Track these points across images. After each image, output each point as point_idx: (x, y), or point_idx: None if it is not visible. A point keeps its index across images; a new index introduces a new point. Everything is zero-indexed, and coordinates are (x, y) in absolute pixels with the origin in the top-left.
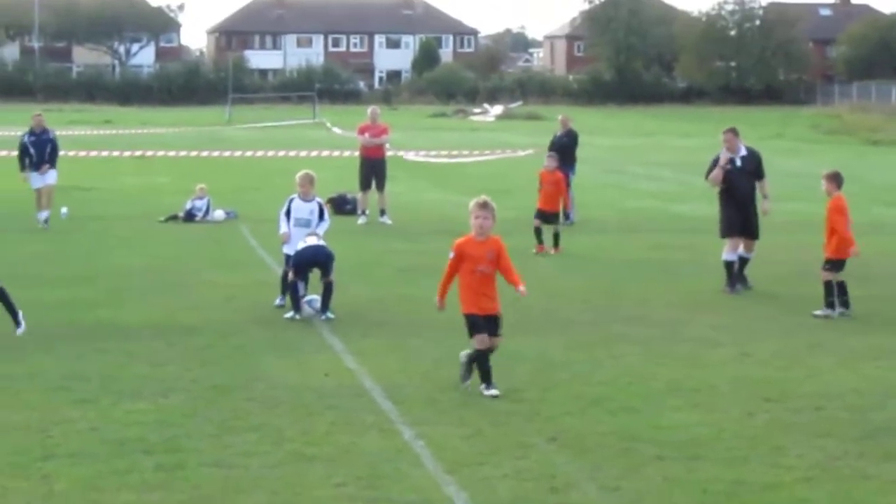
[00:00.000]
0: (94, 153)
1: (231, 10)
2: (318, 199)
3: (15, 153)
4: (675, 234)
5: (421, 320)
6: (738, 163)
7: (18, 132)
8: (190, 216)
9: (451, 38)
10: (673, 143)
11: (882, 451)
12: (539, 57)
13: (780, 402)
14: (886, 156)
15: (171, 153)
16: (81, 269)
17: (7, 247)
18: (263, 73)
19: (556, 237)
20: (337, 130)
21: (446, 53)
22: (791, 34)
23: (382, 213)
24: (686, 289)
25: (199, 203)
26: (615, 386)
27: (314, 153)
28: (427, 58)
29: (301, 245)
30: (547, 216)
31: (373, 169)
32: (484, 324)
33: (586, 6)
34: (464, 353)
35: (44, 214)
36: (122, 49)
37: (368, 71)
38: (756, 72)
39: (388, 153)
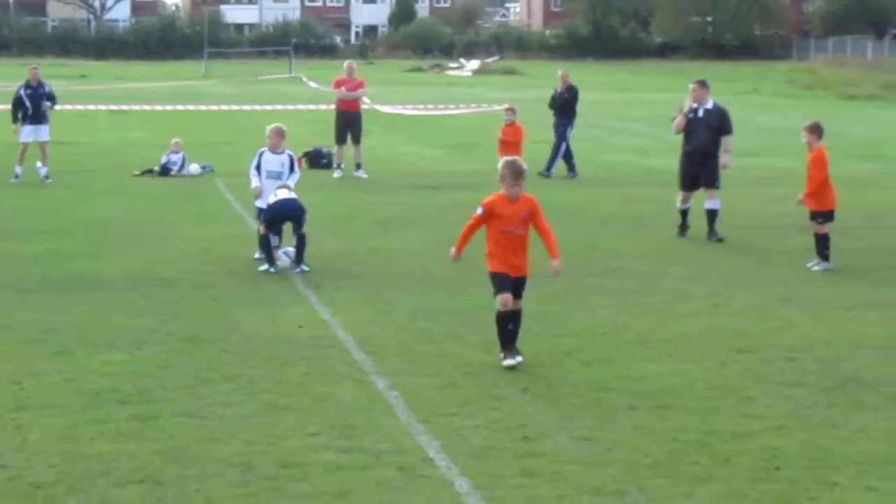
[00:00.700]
0: (69, 107)
1: None
2: (288, 151)
3: None
4: (649, 187)
5: (395, 273)
6: (701, 113)
7: None
8: (165, 170)
9: None
10: (649, 97)
11: (851, 400)
12: (516, 12)
13: (751, 353)
14: (862, 110)
15: (147, 107)
16: (57, 222)
17: None
18: (239, 27)
19: None
20: (313, 85)
21: (422, 8)
22: None
23: (358, 166)
24: (659, 242)
25: (174, 157)
26: (587, 337)
27: (290, 107)
28: (403, 12)
29: (272, 199)
30: None
31: (348, 123)
32: (511, 284)
33: None
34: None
35: (43, 170)
36: (97, 3)
37: (345, 26)
38: (732, 27)
39: (364, 107)
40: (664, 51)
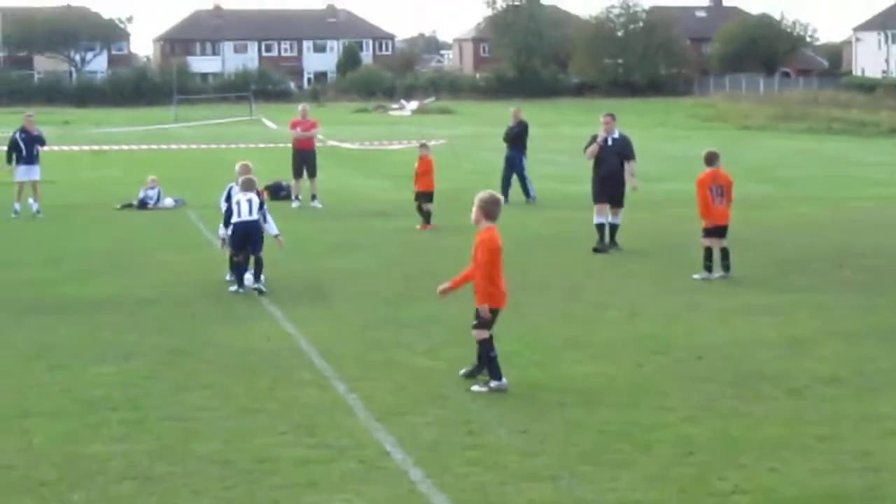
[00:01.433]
0: (56, 148)
1: (174, 20)
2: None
3: None
4: (571, 210)
5: (348, 290)
6: (610, 142)
7: None
8: (143, 204)
9: (370, 42)
10: (568, 131)
11: (753, 392)
12: (449, 58)
13: (665, 354)
14: (756, 139)
15: (125, 148)
16: (47, 252)
17: None
18: (204, 76)
19: (428, 214)
20: (272, 126)
21: (367, 56)
22: (671, 34)
23: (313, 197)
24: (581, 258)
25: (150, 192)
26: (522, 343)
27: (252, 146)
28: (350, 60)
29: (235, 218)
30: (422, 196)
31: (304, 159)
32: None
33: (490, 12)
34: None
35: (35, 206)
36: (77, 57)
37: (298, 73)
38: (640, 68)
39: (318, 144)
40: (581, 90)
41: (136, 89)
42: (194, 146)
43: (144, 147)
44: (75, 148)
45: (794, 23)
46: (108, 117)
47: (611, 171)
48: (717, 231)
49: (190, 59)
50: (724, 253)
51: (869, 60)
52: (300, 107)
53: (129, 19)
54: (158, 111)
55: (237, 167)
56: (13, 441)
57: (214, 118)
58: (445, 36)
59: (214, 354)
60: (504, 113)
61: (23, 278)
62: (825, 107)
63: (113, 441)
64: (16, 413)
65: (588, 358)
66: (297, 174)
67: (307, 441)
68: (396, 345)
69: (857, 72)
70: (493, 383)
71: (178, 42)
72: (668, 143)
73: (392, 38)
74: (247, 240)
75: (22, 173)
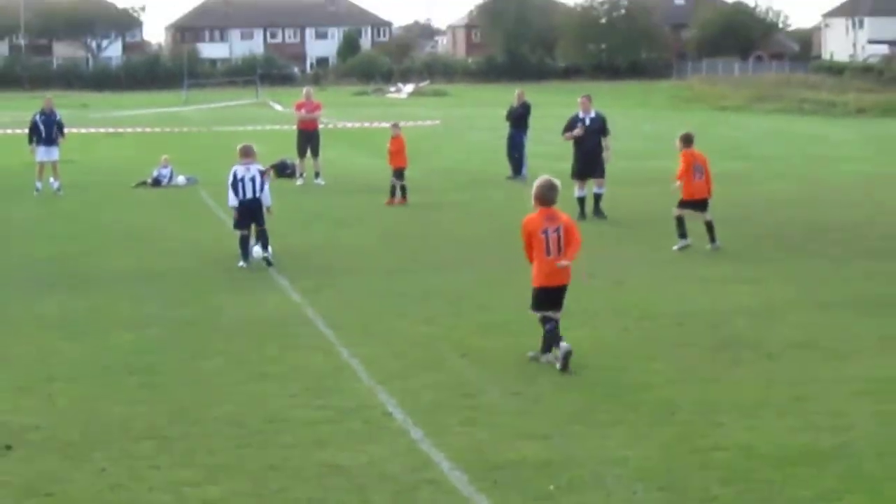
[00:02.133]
0: (74, 130)
1: (185, 9)
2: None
3: (9, 132)
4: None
5: (351, 262)
6: (588, 122)
7: (10, 117)
8: (157, 182)
9: (369, 29)
10: (555, 112)
11: (731, 357)
12: (443, 43)
13: (649, 320)
14: (731, 119)
15: (139, 130)
16: (68, 227)
17: (4, 211)
18: (213, 62)
19: (403, 189)
20: (278, 107)
21: (366, 42)
22: (651, 20)
23: (317, 175)
24: None
25: (164, 171)
26: (514, 312)
27: (259, 128)
28: (349, 46)
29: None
30: (396, 172)
31: (308, 139)
32: None
33: (481, 1)
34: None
35: (56, 184)
36: (94, 44)
37: (301, 58)
38: (623, 52)
39: (321, 125)
40: (567, 73)
41: (149, 74)
42: (204, 128)
43: (157, 129)
44: (92, 130)
45: (767, 10)
46: (122, 101)
47: (590, 147)
48: (696, 204)
49: (200, 45)
50: (709, 226)
51: (837, 45)
52: (304, 90)
53: (143, 8)
54: (170, 95)
55: (238, 148)
56: (39, 404)
57: (223, 101)
58: (439, 23)
59: (226, 323)
60: (494, 96)
61: (45, 253)
62: (797, 88)
63: (132, 404)
64: (41, 378)
65: (577, 324)
66: (302, 153)
67: (314, 403)
68: (397, 313)
69: (826, 56)
70: (543, 356)
71: (189, 30)
72: (649, 122)
73: (389, 25)
74: (251, 217)
75: (42, 154)
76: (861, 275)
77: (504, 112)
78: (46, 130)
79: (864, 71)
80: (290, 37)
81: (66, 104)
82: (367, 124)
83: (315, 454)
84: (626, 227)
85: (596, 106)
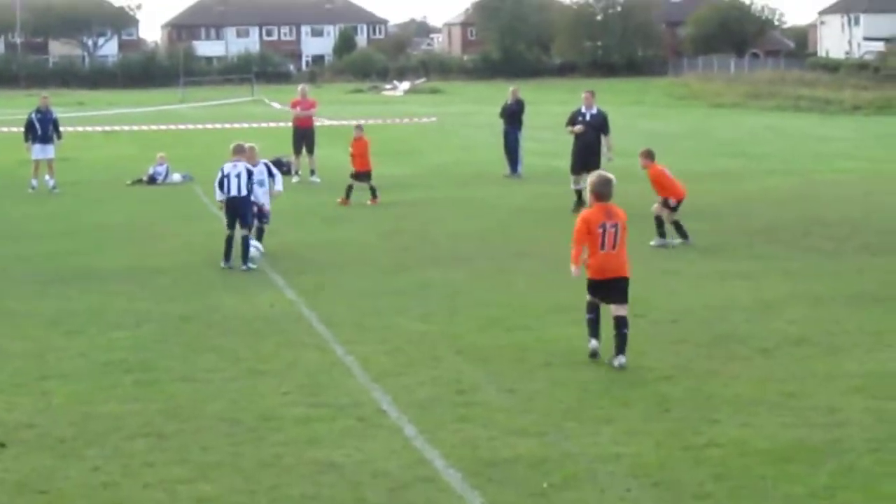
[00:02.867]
0: (70, 129)
1: (181, 7)
2: (244, 163)
3: (4, 131)
4: (555, 184)
5: (346, 259)
6: (588, 118)
7: (6, 115)
8: (152, 180)
9: (365, 26)
10: (551, 109)
11: (725, 353)
12: (439, 41)
13: (643, 317)
14: (727, 116)
15: (135, 128)
16: (65, 225)
17: (1, 209)
18: (209, 59)
19: (373, 190)
20: (276, 105)
21: (361, 40)
22: (647, 17)
23: (312, 172)
24: (564, 228)
25: (160, 168)
26: (509, 308)
27: (255, 125)
28: (345, 44)
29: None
30: (361, 175)
31: (303, 136)
32: None
33: None
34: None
35: (51, 182)
36: (90, 42)
37: (297, 56)
38: (618, 50)
39: (316, 123)
40: (563, 70)
41: (145, 72)
42: (200, 125)
43: (153, 127)
44: (89, 128)
45: (762, 7)
46: (118, 99)
47: (589, 142)
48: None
49: (195, 43)
50: (678, 225)
51: (833, 42)
52: (300, 87)
53: (139, 7)
54: (166, 93)
55: (231, 147)
56: (34, 401)
57: (219, 99)
58: (435, 21)
59: (221, 320)
60: (490, 93)
61: (42, 250)
62: (792, 86)
63: (127, 401)
64: (36, 375)
65: (571, 321)
66: (297, 150)
67: (309, 400)
68: (391, 311)
69: (821, 53)
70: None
71: (185, 28)
72: (645, 119)
73: (385, 22)
74: (236, 213)
75: (37, 151)
76: (855, 270)
77: (498, 109)
78: (42, 129)
79: (860, 68)
80: (285, 34)
81: (62, 102)
82: (362, 121)
83: (309, 451)
84: None
85: None
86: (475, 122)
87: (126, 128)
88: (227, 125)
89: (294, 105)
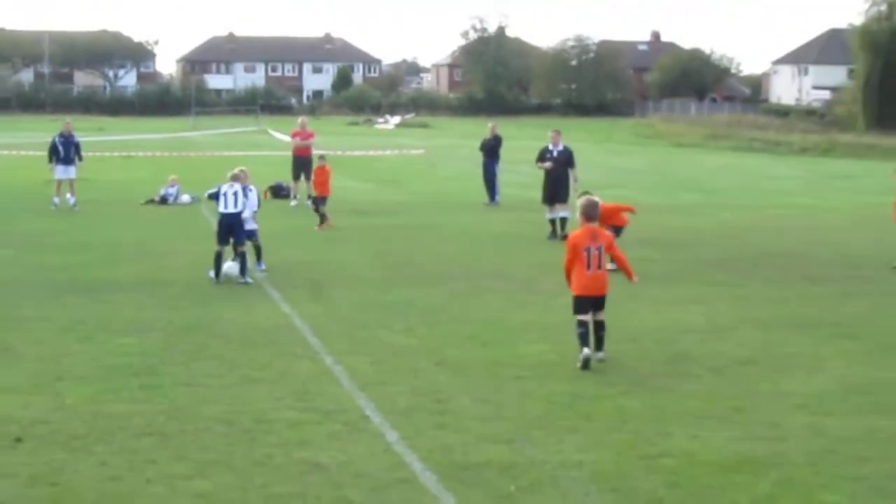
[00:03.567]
0: (91, 153)
1: (194, 43)
2: (237, 185)
3: (31, 153)
4: (529, 212)
5: (337, 277)
6: (556, 154)
7: (33, 139)
8: (164, 200)
9: (361, 65)
10: (529, 144)
11: (680, 371)
12: (428, 80)
13: (605, 337)
14: (687, 155)
15: (150, 153)
16: (80, 239)
17: (22, 223)
18: (219, 92)
19: (322, 217)
20: (277, 135)
21: (357, 77)
22: (616, 64)
23: (309, 197)
24: (536, 254)
25: (171, 190)
26: (484, 325)
27: (258, 153)
28: (343, 80)
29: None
30: (318, 200)
31: (302, 164)
32: None
33: (463, 42)
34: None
35: (72, 200)
36: (111, 73)
37: (298, 90)
38: (590, 92)
39: (315, 152)
40: (539, 109)
41: (161, 102)
42: (209, 152)
43: (167, 153)
44: (108, 153)
45: (721, 56)
46: (135, 125)
47: (557, 176)
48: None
49: (207, 76)
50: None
51: (784, 90)
52: (300, 119)
53: (156, 42)
54: (179, 121)
55: (228, 175)
56: (48, 401)
57: (227, 128)
58: (425, 61)
59: (221, 330)
60: (473, 128)
61: (59, 262)
62: (747, 129)
63: (133, 402)
64: (51, 377)
65: (541, 338)
66: (296, 177)
67: (299, 405)
68: (378, 325)
69: (774, 99)
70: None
71: (197, 62)
72: (613, 156)
73: (379, 62)
74: (230, 231)
75: (60, 172)
76: (799, 298)
77: (478, 143)
78: (65, 151)
79: (808, 114)
80: (289, 71)
81: (84, 127)
82: (357, 152)
83: (297, 452)
84: None
85: (565, 140)
86: (459, 154)
87: (141, 153)
88: (234, 152)
89: (294, 135)
